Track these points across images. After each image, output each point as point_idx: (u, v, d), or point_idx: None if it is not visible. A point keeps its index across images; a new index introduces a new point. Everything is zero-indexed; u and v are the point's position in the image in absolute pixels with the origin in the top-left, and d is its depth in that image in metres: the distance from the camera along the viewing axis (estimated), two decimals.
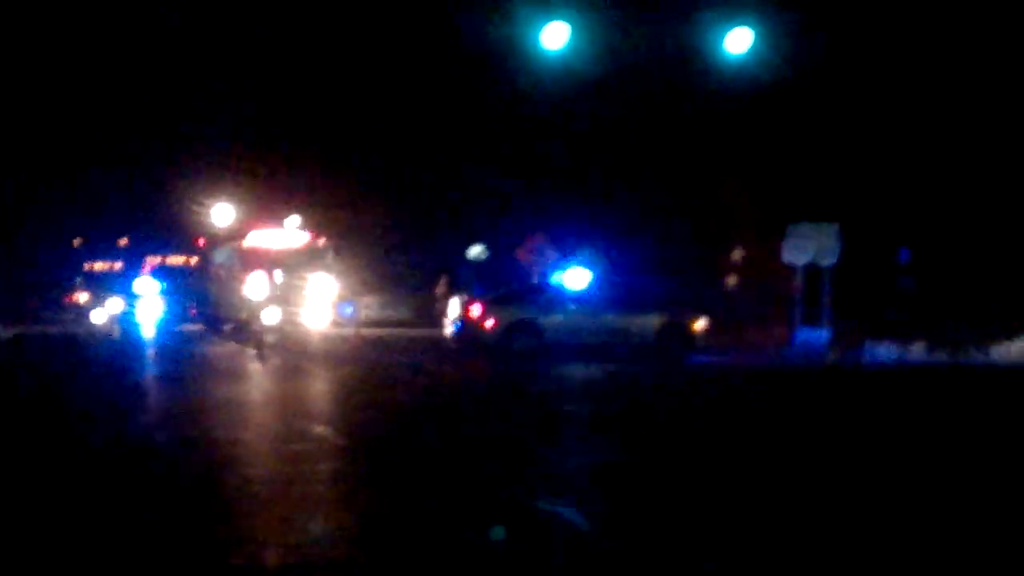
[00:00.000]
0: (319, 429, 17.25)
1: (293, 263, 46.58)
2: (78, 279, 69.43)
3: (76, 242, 79.25)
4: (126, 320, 56.42)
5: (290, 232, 48.26)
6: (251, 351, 33.82)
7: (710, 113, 47.81)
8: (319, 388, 26.16)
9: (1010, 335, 34.43)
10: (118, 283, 66.46)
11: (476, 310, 33.34)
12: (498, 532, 10.22)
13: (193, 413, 19.67)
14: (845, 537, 10.39)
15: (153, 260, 65.30)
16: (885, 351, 34.61)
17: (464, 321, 33.56)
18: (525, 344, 32.84)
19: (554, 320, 33.28)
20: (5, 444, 15.63)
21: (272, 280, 44.45)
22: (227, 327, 46.31)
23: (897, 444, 16.68)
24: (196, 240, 59.92)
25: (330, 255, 48.29)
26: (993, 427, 18.94)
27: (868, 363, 33.69)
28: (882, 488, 12.92)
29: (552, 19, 32.15)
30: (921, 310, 38.51)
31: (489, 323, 33.02)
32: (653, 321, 33.50)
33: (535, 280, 38.22)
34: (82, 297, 66.95)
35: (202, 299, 52.96)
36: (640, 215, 50.86)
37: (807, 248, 36.82)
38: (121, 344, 42.38)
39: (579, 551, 9.86)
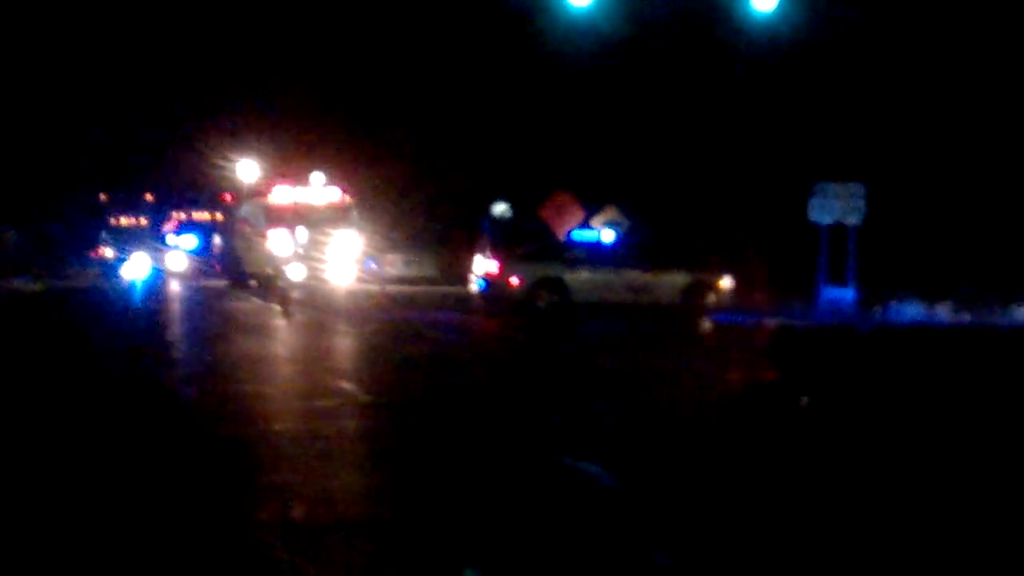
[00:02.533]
0: (344, 385, 17.27)
1: (318, 220, 46.59)
2: (103, 234, 69.66)
3: (102, 197, 79.45)
4: (151, 275, 56.58)
5: (315, 189, 48.24)
6: (276, 307, 33.85)
7: (736, 70, 47.58)
8: (344, 344, 26.20)
9: None
10: (143, 238, 66.75)
11: (501, 267, 33.31)
12: (522, 488, 10.24)
13: (218, 369, 19.72)
14: (867, 498, 10.38)
15: (178, 216, 65.49)
16: (910, 311, 34.52)
17: (489, 279, 33.54)
18: (550, 302, 32.82)
19: (579, 278, 33.23)
20: (33, 398, 15.68)
21: (297, 236, 44.49)
22: (252, 283, 46.38)
23: (921, 405, 16.65)
24: (221, 196, 60.00)
25: (355, 212, 48.27)
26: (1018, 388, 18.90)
27: (893, 322, 33.61)
28: (908, 450, 12.91)
29: None
30: (947, 271, 38.37)
31: (514, 280, 33.00)
32: (678, 279, 33.44)
33: (560, 238, 38.14)
34: (107, 252, 67.20)
35: (227, 255, 53.06)
36: (665, 173, 50.68)
37: (833, 207, 36.68)
38: (146, 299, 42.50)
39: (602, 506, 9.86)
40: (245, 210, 50.87)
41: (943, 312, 34.52)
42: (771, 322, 32.61)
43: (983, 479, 11.26)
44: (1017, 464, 12.14)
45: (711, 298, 33.27)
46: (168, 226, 65.96)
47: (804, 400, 16.92)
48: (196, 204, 66.69)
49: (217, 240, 57.99)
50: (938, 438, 13.69)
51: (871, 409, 16.08)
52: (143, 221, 71.72)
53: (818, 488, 10.72)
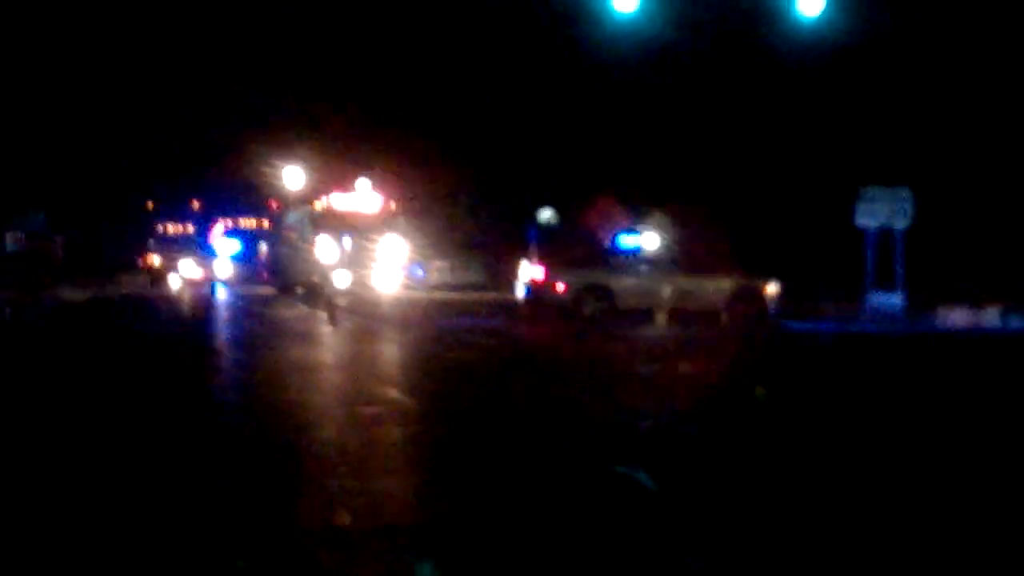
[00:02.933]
0: (390, 392, 17.29)
1: (364, 227, 46.63)
2: (151, 241, 69.95)
3: (149, 205, 79.83)
4: (200, 283, 56.78)
5: (361, 195, 48.30)
6: (322, 314, 33.91)
7: (783, 76, 47.46)
8: (390, 351, 26.23)
9: None
10: (190, 245, 66.97)
11: (546, 274, 33.30)
12: (565, 492, 10.23)
13: (264, 376, 19.76)
14: (908, 508, 10.33)
15: (225, 223, 65.71)
16: (958, 316, 34.34)
17: (534, 285, 33.53)
18: (596, 308, 32.80)
19: (625, 283, 33.21)
20: (79, 404, 15.74)
21: (343, 244, 44.59)
22: (298, 290, 46.49)
23: (964, 408, 16.56)
24: (268, 203, 60.16)
25: (401, 218, 48.32)
26: None
27: (942, 329, 33.44)
28: (947, 455, 12.84)
29: None
30: (994, 276, 38.15)
31: (560, 287, 32.99)
32: (724, 285, 33.37)
33: (605, 243, 38.10)
34: (155, 259, 67.45)
35: (274, 262, 53.19)
36: (711, 179, 50.58)
37: (880, 212, 36.54)
38: (194, 306, 42.67)
39: (643, 510, 9.84)
40: (291, 217, 50.97)
41: (991, 317, 34.31)
42: (819, 328, 32.49)
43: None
44: None
45: (758, 304, 33.17)
46: (215, 233, 66.16)
47: (843, 405, 16.86)
48: (242, 211, 66.87)
49: (263, 247, 58.14)
50: (981, 444, 13.61)
51: (911, 416, 15.99)
52: (190, 228, 72.01)
53: (857, 496, 10.66)
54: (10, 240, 59.93)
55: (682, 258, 34.54)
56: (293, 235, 48.84)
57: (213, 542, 8.73)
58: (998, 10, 44.41)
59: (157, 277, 64.32)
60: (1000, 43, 44.43)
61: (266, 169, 58.82)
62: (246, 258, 61.47)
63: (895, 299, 35.94)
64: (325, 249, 44.39)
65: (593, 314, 32.59)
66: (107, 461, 11.70)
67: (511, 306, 36.02)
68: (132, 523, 9.25)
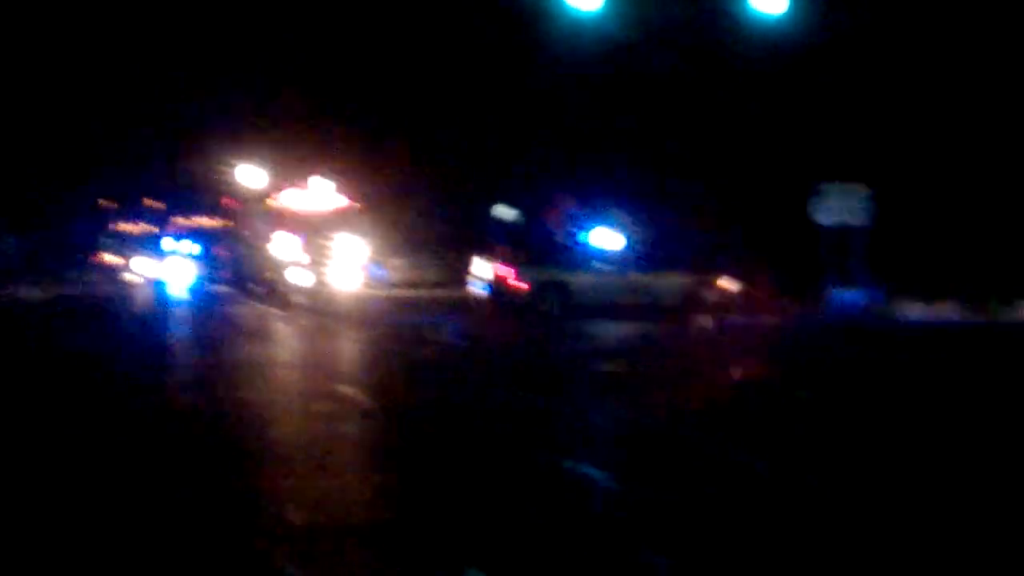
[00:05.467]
0: (346, 390, 17.14)
1: (321, 224, 46.50)
2: (104, 239, 69.69)
3: (102, 202, 79.50)
4: (154, 281, 56.53)
5: (319, 193, 48.14)
6: (279, 312, 33.77)
7: (741, 73, 47.51)
8: (347, 349, 26.11)
9: None
10: (144, 243, 66.74)
11: (505, 271, 33.25)
12: (522, 491, 10.12)
13: (218, 374, 19.61)
14: (870, 498, 10.24)
15: (180, 221, 65.48)
16: (916, 311, 34.44)
17: (493, 282, 33.48)
18: (554, 304, 32.76)
19: (583, 280, 33.18)
20: (35, 404, 15.57)
21: (300, 241, 44.44)
22: (255, 288, 46.30)
23: (933, 401, 16.53)
24: (224, 201, 59.95)
25: (359, 216, 48.18)
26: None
27: (900, 323, 33.53)
28: (913, 446, 12.78)
29: None
30: (952, 271, 38.29)
31: (518, 284, 32.93)
32: (680, 281, 33.39)
33: (563, 241, 38.08)
34: (108, 257, 67.20)
35: (230, 260, 53.01)
36: (668, 176, 50.61)
37: (837, 209, 36.61)
38: (148, 305, 42.45)
39: (606, 510, 9.75)
40: (248, 215, 50.79)
41: (949, 312, 34.43)
42: (773, 322, 32.55)
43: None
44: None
45: (713, 300, 33.23)
46: (170, 231, 65.93)
47: (803, 396, 16.82)
48: (198, 209, 66.63)
49: (220, 245, 57.94)
50: (944, 435, 13.55)
51: (873, 405, 15.94)
52: (144, 227, 71.75)
53: (821, 488, 10.57)
54: None
55: (639, 255, 34.55)
56: (250, 233, 48.66)
57: (163, 543, 8.58)
58: (959, 8, 44.56)
59: (110, 275, 64.05)
60: (961, 40, 44.58)
61: (222, 167, 58.57)
62: (202, 256, 61.25)
63: (853, 295, 36.00)
64: (282, 247, 44.23)
65: (551, 311, 32.55)
66: (50, 464, 11.53)
67: (470, 303, 35.94)
68: (79, 527, 9.09)
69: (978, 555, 8.52)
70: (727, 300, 33.56)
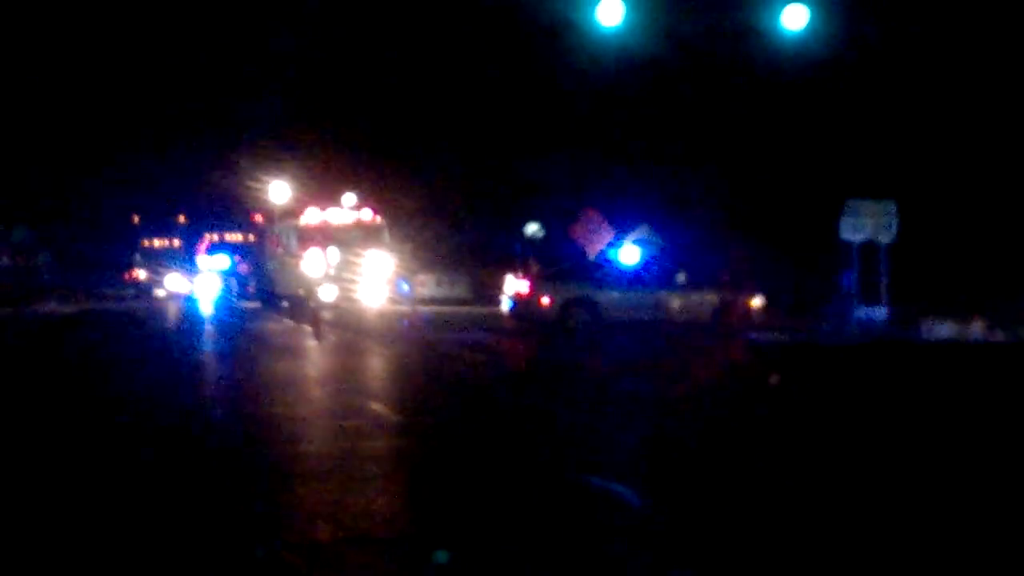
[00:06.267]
0: (374, 406, 17.28)
1: (350, 240, 46.53)
2: (136, 256, 69.89)
3: (134, 219, 79.76)
4: (185, 297, 56.72)
5: (347, 209, 48.24)
6: (307, 328, 33.88)
7: (767, 89, 47.54)
8: (375, 365, 26.23)
9: None
10: (176, 259, 66.92)
11: (532, 287, 33.29)
12: (549, 507, 10.24)
13: (248, 390, 19.75)
14: (891, 513, 10.34)
15: (210, 237, 65.63)
16: (943, 329, 34.35)
17: (520, 298, 33.51)
18: (581, 321, 32.78)
19: (610, 297, 33.19)
20: (67, 420, 15.73)
21: (328, 257, 44.54)
22: (284, 304, 46.45)
23: (951, 420, 16.59)
24: (253, 217, 60.13)
25: (386, 232, 48.26)
26: None
27: (926, 340, 33.45)
28: (931, 460, 12.87)
29: None
30: (979, 288, 38.19)
31: (545, 300, 32.98)
32: (710, 298, 33.38)
33: (591, 257, 38.12)
34: (140, 273, 67.41)
35: (259, 276, 53.17)
36: (696, 192, 50.65)
37: (864, 225, 36.54)
38: (179, 320, 42.63)
39: (630, 527, 9.86)
40: (277, 231, 50.94)
41: (976, 330, 34.33)
42: (803, 340, 32.51)
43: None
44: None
45: (742, 317, 33.19)
46: (200, 247, 66.09)
47: (831, 415, 16.89)
48: (228, 225, 66.78)
49: (249, 261, 58.10)
50: (967, 450, 13.64)
51: (897, 422, 16.01)
52: (176, 242, 71.94)
53: (841, 506, 10.68)
54: None
55: (667, 272, 34.53)
56: (279, 249, 48.81)
57: (197, 556, 8.73)
58: (982, 22, 44.54)
59: (143, 291, 64.29)
60: (985, 54, 44.55)
61: (252, 183, 58.76)
62: (232, 272, 61.41)
63: (880, 312, 35.96)
64: (310, 263, 44.35)
65: (578, 328, 32.57)
66: (86, 474, 11.70)
67: (497, 320, 36.00)
68: (117, 533, 9.24)
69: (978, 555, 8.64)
70: (756, 317, 33.51)
